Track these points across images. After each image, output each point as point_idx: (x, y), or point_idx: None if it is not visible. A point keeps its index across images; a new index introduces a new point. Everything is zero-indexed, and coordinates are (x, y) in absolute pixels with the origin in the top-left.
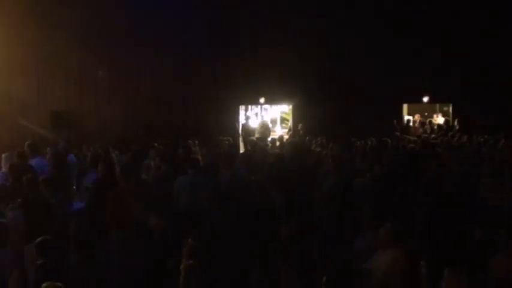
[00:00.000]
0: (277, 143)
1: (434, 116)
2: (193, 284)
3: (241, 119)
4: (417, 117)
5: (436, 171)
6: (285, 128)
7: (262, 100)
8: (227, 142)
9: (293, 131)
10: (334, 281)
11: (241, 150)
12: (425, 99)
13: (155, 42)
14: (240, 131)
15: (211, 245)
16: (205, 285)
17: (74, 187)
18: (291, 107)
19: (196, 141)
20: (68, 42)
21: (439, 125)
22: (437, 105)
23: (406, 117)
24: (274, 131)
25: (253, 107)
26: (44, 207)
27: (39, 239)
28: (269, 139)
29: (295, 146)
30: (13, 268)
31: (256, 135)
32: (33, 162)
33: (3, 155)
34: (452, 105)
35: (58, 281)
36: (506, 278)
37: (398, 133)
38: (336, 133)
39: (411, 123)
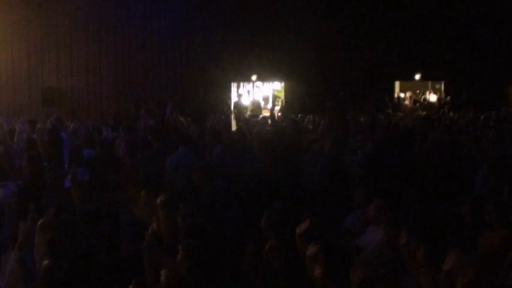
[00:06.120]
0: (269, 121)
1: (427, 93)
2: (192, 263)
3: (233, 97)
4: (408, 94)
5: (431, 147)
6: (277, 105)
7: (254, 77)
8: (219, 119)
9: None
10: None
11: (234, 128)
12: (417, 76)
13: (146, 18)
14: (232, 109)
15: (207, 222)
16: (204, 264)
17: (66, 165)
18: (283, 84)
19: (189, 118)
20: (58, 19)
21: (429, 103)
22: (429, 83)
23: (398, 95)
24: (266, 109)
25: (245, 84)
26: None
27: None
28: (260, 117)
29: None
30: (9, 245)
31: (248, 113)
32: None
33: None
34: (444, 83)
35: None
36: (492, 254)
37: (390, 110)
38: (330, 111)
39: (403, 101)
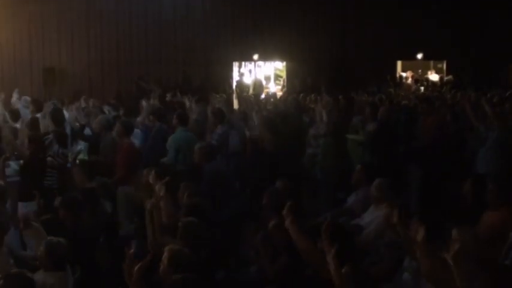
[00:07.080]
0: (271, 100)
1: (428, 72)
2: (190, 241)
3: (235, 76)
4: (409, 74)
5: (432, 127)
6: (279, 84)
7: (255, 57)
8: (220, 98)
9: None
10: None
11: (236, 107)
12: (419, 56)
13: None
14: (234, 88)
15: (207, 201)
16: (202, 242)
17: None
18: (284, 63)
19: (190, 97)
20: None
21: (433, 82)
22: (431, 62)
23: (400, 74)
24: (268, 88)
25: (247, 63)
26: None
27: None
28: (262, 96)
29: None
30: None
31: (250, 92)
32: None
33: None
34: (447, 62)
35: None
36: (493, 233)
37: (392, 89)
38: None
39: (404, 80)
